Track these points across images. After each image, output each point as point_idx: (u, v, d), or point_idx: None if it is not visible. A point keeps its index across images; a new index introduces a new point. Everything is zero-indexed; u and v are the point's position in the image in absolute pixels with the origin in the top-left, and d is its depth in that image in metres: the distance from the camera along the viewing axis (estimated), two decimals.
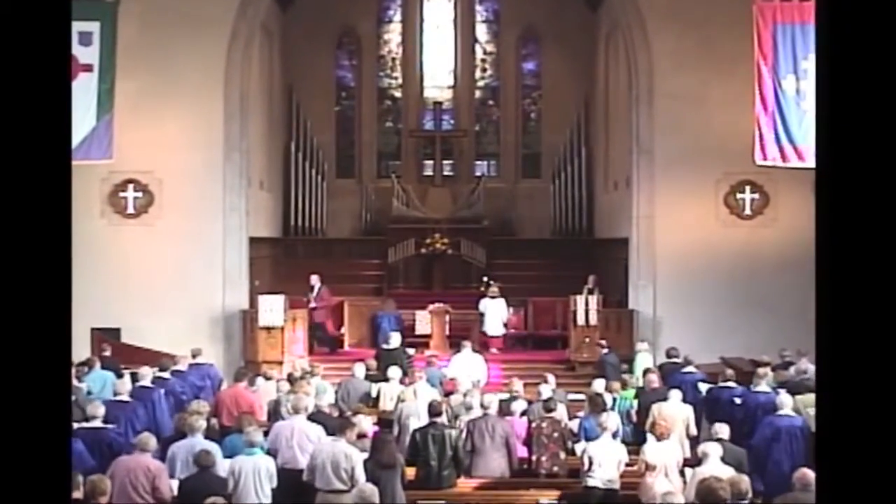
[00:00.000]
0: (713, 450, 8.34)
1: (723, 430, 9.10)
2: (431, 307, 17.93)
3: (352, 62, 24.43)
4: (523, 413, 10.67)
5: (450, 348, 16.86)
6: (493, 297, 18.33)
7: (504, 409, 10.59)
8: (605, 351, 15.15)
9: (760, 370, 11.71)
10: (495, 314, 18.22)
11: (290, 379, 12.11)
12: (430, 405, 9.68)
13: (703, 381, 12.79)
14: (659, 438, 8.96)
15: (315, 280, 18.02)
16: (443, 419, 9.74)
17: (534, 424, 9.95)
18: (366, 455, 8.70)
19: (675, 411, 10.52)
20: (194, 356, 13.45)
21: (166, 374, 12.23)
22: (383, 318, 17.58)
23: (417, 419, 10.40)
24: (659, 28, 17.38)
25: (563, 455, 9.83)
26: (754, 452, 9.61)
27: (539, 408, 10.55)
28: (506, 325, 18.43)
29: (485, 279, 19.74)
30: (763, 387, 11.26)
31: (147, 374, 11.63)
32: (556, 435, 9.82)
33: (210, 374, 13.42)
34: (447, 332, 17.74)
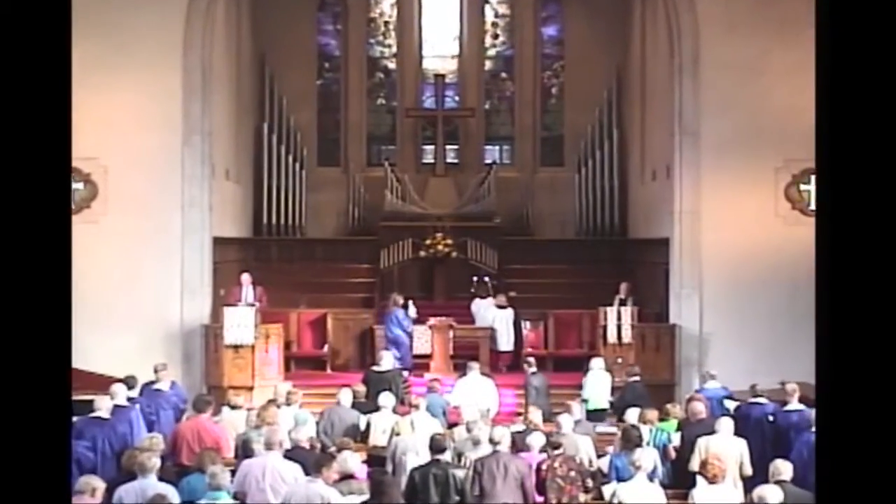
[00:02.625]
0: (772, 494, 8.28)
1: (784, 469, 9.05)
2: (432, 321, 17.92)
3: (336, 27, 24.44)
4: (543, 449, 10.63)
5: (454, 371, 16.84)
6: (501, 307, 18.66)
7: (519, 444, 10.56)
8: (532, 371, 15.15)
9: (788, 386, 12.20)
10: (505, 326, 18.51)
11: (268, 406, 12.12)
12: (433, 439, 9.64)
13: (730, 397, 13.15)
14: (711, 481, 8.91)
15: (247, 280, 18.04)
16: (447, 456, 9.71)
17: (544, 466, 9.91)
18: (350, 500, 8.67)
19: (727, 447, 10.49)
20: (156, 372, 13.72)
21: (134, 394, 12.62)
22: (387, 319, 17.74)
23: (416, 456, 10.37)
24: None
25: (582, 498, 9.82)
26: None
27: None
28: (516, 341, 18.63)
29: (476, 279, 19.90)
30: (794, 404, 11.94)
31: (119, 391, 11.84)
32: (572, 474, 9.79)
33: (178, 395, 13.66)
34: (451, 352, 17.72)
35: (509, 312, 18.77)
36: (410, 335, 17.68)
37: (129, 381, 12.82)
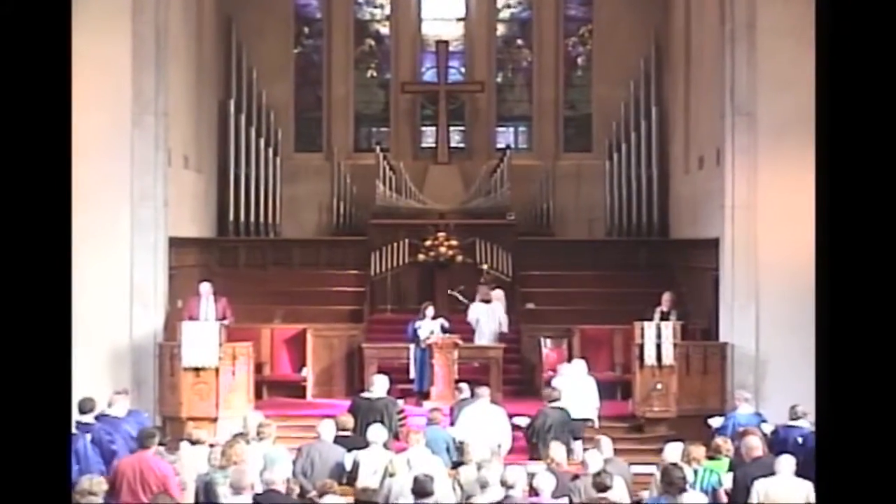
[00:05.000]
0: None
1: None
2: (433, 339, 17.91)
3: None
4: (564, 493, 10.62)
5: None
6: (485, 301, 19.20)
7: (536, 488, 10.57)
8: (463, 397, 15.20)
9: (799, 409, 12.89)
10: (489, 321, 18.92)
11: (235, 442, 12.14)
12: (416, 481, 9.70)
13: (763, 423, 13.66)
14: None
15: (206, 290, 17.90)
16: (434, 500, 9.73)
17: None
18: None
19: (789, 491, 10.47)
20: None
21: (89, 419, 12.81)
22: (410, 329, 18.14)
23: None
24: None
25: None
26: None
27: (586, 484, 10.49)
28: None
29: (484, 269, 20.45)
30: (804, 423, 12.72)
31: None
32: None
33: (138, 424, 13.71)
34: (456, 375, 17.71)
35: (496, 305, 19.10)
36: (423, 350, 17.74)
37: (82, 405, 12.93)
